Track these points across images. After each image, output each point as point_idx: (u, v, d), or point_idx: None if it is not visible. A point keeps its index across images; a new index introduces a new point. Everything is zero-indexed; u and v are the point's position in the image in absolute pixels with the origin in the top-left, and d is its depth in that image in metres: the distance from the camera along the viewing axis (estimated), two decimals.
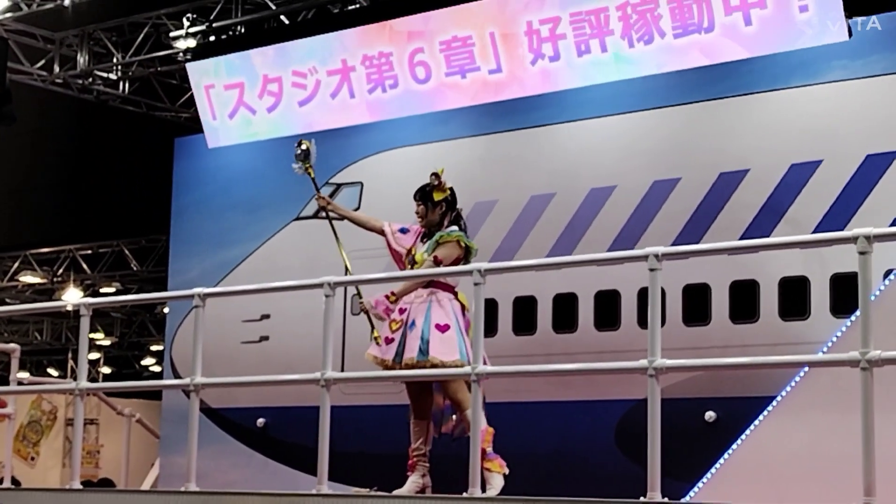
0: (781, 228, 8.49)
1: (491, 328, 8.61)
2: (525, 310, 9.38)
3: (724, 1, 8.88)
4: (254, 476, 9.60)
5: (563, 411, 9.08)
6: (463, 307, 7.74)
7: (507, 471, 7.42)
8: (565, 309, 9.24)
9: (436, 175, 7.90)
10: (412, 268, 7.84)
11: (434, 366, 7.53)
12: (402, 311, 7.78)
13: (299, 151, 8.23)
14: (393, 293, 7.81)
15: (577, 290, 9.18)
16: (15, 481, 14.62)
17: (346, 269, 8.12)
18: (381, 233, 8.07)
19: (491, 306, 8.72)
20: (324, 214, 8.11)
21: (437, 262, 7.69)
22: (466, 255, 7.78)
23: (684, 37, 9.11)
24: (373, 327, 7.90)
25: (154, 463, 11.91)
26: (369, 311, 7.87)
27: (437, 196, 7.90)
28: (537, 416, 8.84)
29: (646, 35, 9.22)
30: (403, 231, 8.03)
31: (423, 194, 7.91)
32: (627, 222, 9.09)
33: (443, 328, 7.54)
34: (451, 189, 7.95)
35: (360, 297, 7.92)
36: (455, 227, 7.86)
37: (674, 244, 8.40)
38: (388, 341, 7.79)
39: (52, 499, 8.78)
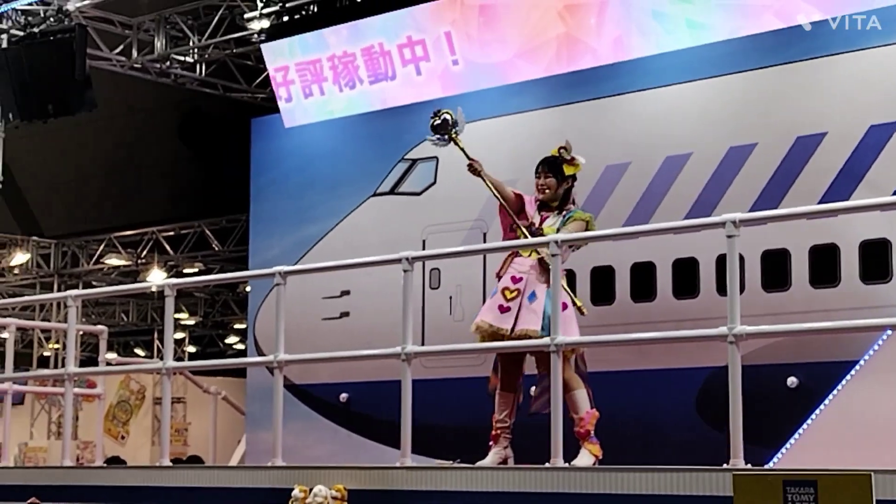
0: (861, 191, 8.39)
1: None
2: (603, 280, 9.37)
3: None
4: (338, 451, 9.73)
5: (643, 380, 9.08)
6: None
7: (601, 456, 7.44)
8: (643, 278, 9.23)
9: (565, 148, 7.77)
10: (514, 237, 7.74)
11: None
12: (515, 279, 7.67)
13: (439, 122, 8.06)
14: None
15: (654, 259, 9.16)
16: (117, 460, 14.96)
17: (519, 228, 7.86)
18: (518, 198, 7.90)
19: (569, 277, 8.72)
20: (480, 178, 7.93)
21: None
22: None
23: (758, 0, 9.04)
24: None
25: (241, 439, 12.09)
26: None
27: (568, 170, 7.79)
28: (617, 385, 8.84)
29: None
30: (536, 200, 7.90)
31: (552, 166, 7.78)
32: (704, 189, 9.04)
33: (563, 306, 7.40)
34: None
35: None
36: (587, 211, 7.76)
37: (751, 210, 8.33)
38: (503, 310, 7.68)
39: (143, 475, 8.98)
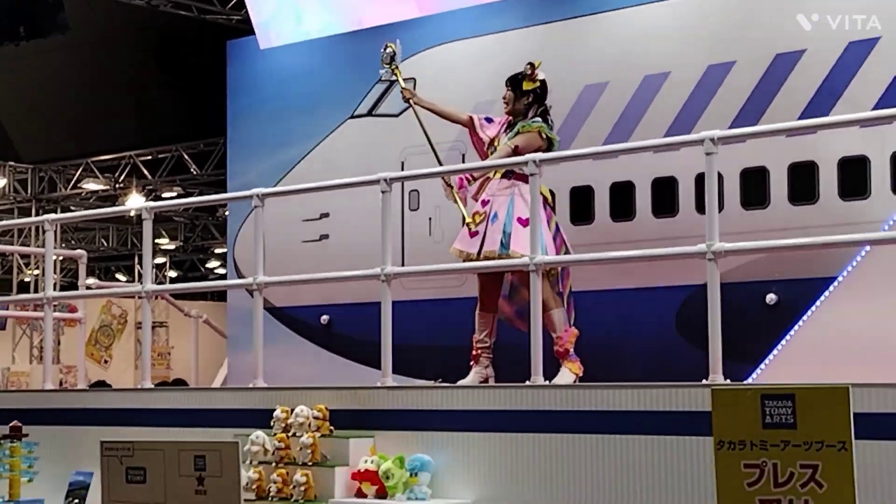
0: (839, 108, 8.39)
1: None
2: (582, 199, 9.38)
3: None
4: (320, 372, 9.78)
5: (623, 299, 9.12)
6: (545, 199, 7.72)
7: (581, 374, 7.51)
8: (622, 197, 9.23)
9: (531, 64, 7.89)
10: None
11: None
12: (484, 203, 7.79)
13: (385, 55, 8.25)
14: (472, 176, 7.81)
15: (633, 178, 9.16)
16: (102, 384, 15.01)
17: (438, 160, 8.14)
18: (468, 123, 8.06)
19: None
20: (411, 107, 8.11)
21: (515, 152, 7.68)
22: (549, 147, 7.77)
23: None
24: (463, 216, 7.89)
25: (223, 363, 12.14)
26: (452, 189, 7.90)
27: (527, 86, 7.89)
28: (597, 304, 8.88)
29: None
30: (489, 120, 8.05)
31: (513, 81, 7.92)
32: (682, 109, 9.02)
33: (524, 222, 7.51)
34: (542, 82, 7.91)
35: (447, 184, 7.95)
36: (538, 119, 7.84)
37: (730, 128, 8.32)
38: (472, 235, 7.80)
39: (126, 397, 9.03)
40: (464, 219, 7.87)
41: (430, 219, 8.63)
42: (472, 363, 7.93)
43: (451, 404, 7.15)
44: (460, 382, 7.76)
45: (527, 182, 7.57)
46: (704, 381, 6.31)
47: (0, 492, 8.71)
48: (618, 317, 9.07)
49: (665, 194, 9.04)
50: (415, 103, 8.17)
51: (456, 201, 8.01)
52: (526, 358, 6.95)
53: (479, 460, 6.90)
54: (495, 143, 7.91)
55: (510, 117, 7.92)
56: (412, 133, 8.34)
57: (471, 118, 8.05)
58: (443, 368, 8.49)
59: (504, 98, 7.95)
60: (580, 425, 6.54)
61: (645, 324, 9.01)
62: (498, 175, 7.80)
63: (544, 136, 7.77)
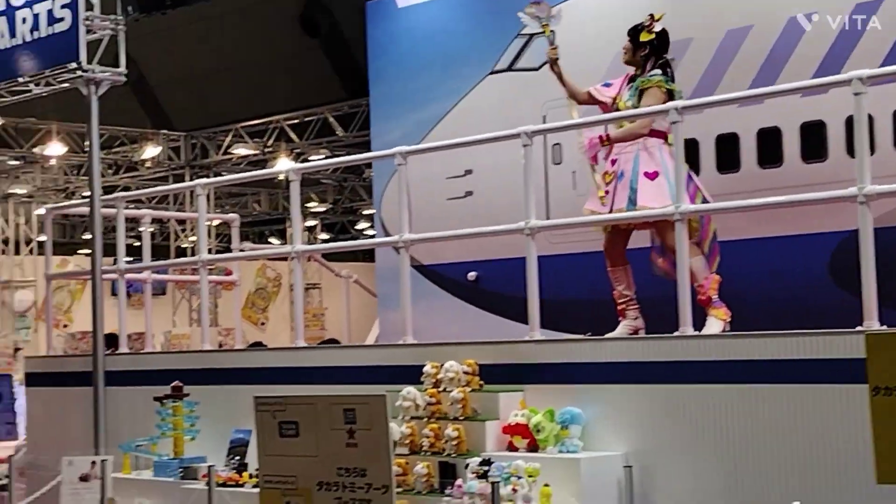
0: None
1: (693, 168, 8.50)
2: (728, 147, 9.21)
3: None
4: (469, 328, 9.84)
5: (773, 247, 8.95)
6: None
7: (729, 319, 7.41)
8: (770, 143, 9.04)
9: (651, 16, 7.82)
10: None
11: None
12: (612, 162, 7.77)
13: (537, 10, 8.22)
14: (607, 136, 7.80)
15: (780, 124, 8.95)
16: (259, 345, 15.40)
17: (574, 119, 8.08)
18: (587, 99, 8.05)
19: (692, 146, 8.60)
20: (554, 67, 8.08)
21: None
22: (670, 99, 7.68)
23: None
24: (597, 187, 7.87)
25: (375, 321, 12.32)
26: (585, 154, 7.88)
27: (644, 37, 7.83)
28: (748, 253, 8.74)
29: None
30: (607, 85, 8.02)
31: (632, 32, 7.88)
32: (829, 50, 8.77)
33: (651, 175, 7.48)
34: (659, 34, 7.82)
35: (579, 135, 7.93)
36: (657, 72, 7.76)
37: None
38: (605, 194, 7.80)
39: (280, 356, 9.24)
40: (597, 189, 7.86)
41: (573, 172, 8.59)
42: (619, 318, 7.90)
43: (600, 357, 7.14)
44: (609, 335, 7.74)
45: (654, 136, 7.53)
46: (859, 328, 6.17)
47: (165, 449, 9.03)
48: (768, 265, 8.91)
49: (814, 139, 8.82)
50: (555, 72, 8.09)
51: (589, 169, 7.95)
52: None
53: (629, 412, 6.89)
54: (618, 102, 7.83)
55: (630, 73, 7.87)
56: (553, 87, 8.29)
57: (588, 93, 8.00)
58: (591, 322, 8.46)
59: (624, 48, 7.91)
60: (731, 375, 6.47)
61: (796, 272, 8.83)
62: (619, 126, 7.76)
63: (665, 89, 7.68)
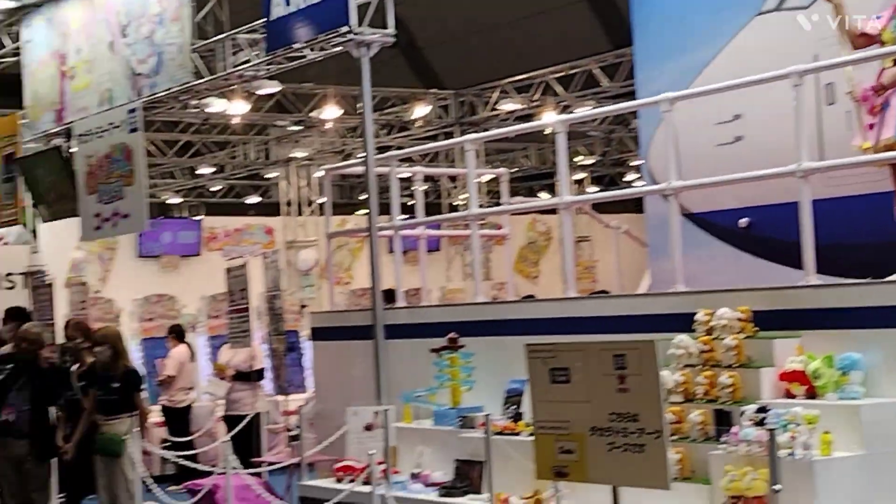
0: None
1: None
2: None
3: None
4: (741, 275, 9.67)
5: None
6: None
7: None
8: None
9: None
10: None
11: None
12: (879, 93, 7.53)
13: None
14: (882, 85, 7.53)
15: None
16: (532, 297, 15.61)
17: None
18: (857, 33, 7.73)
19: None
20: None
21: None
22: None
23: None
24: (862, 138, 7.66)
25: (645, 272, 12.26)
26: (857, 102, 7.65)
27: None
28: None
29: None
30: (877, 17, 7.71)
31: None
32: None
33: None
34: None
35: (851, 86, 7.71)
36: None
37: None
38: (870, 127, 7.57)
39: (552, 307, 9.34)
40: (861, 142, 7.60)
41: (847, 112, 8.28)
42: None
43: (882, 301, 6.91)
44: (892, 277, 7.47)
45: None
46: None
47: (443, 399, 9.31)
48: None
49: None
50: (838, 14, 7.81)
51: (857, 115, 7.71)
52: None
53: None
54: (883, 34, 7.49)
55: None
56: (824, 24, 8.03)
57: (858, 28, 7.66)
58: (869, 265, 8.19)
59: None
60: None
61: None
62: (890, 63, 7.41)
63: None
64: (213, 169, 27.65)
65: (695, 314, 7.54)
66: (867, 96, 7.62)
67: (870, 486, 6.48)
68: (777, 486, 5.65)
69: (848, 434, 6.55)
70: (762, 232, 9.95)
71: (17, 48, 15.13)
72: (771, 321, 7.31)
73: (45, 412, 10.61)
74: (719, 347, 7.29)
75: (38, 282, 14.81)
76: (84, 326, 11.22)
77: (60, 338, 12.48)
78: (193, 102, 18.32)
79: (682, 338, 7.46)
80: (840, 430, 6.54)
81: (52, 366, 10.92)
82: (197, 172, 28.00)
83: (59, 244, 18.26)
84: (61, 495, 11.44)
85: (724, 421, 7.06)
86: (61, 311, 14.99)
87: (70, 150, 14.16)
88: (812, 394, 6.89)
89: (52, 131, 14.79)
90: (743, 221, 10.02)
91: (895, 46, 7.42)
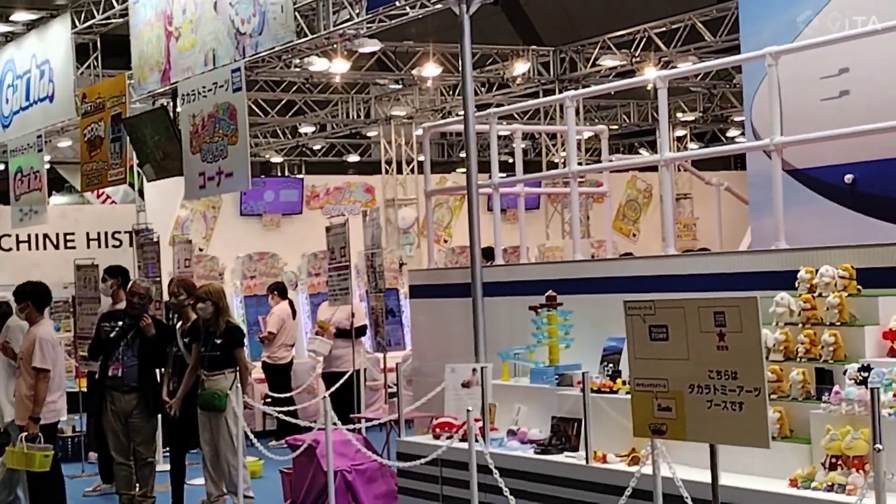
0: None
1: None
2: None
3: None
4: (845, 232, 9.50)
5: None
6: None
7: None
8: None
9: None
10: None
11: None
12: None
13: None
14: None
15: None
16: (630, 255, 15.51)
17: None
18: None
19: None
20: None
21: None
22: None
23: None
24: None
25: (747, 229, 12.10)
26: None
27: None
28: None
29: None
30: None
31: None
32: None
33: None
34: None
35: None
36: None
37: None
38: None
39: (650, 265, 9.27)
40: None
41: None
42: None
43: None
44: None
45: None
46: None
47: (541, 357, 9.31)
48: None
49: None
50: None
51: None
52: None
53: None
54: None
55: None
56: None
57: None
58: None
59: None
60: None
61: None
62: None
63: None
64: (314, 128, 27.87)
65: (797, 272, 7.43)
66: None
67: None
68: (879, 446, 5.55)
69: None
70: (867, 188, 9.74)
71: (126, 9, 15.36)
72: (875, 279, 7.17)
73: (151, 367, 10.84)
74: (821, 305, 7.18)
75: (144, 240, 15.09)
76: (188, 283, 11.41)
77: (166, 295, 12.72)
78: (296, 61, 18.48)
79: (783, 295, 7.35)
80: None
81: (158, 322, 11.14)
82: (299, 131, 28.26)
83: (164, 203, 18.58)
84: (166, 449, 11.72)
85: (825, 380, 6.96)
86: (166, 268, 15.26)
87: (175, 110, 14.37)
88: None
89: (158, 91, 15.01)
90: (848, 178, 9.82)
91: None
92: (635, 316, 5.56)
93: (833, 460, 6.48)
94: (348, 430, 9.90)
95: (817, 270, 7.28)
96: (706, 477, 5.79)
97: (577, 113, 9.76)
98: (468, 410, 8.02)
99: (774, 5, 10.58)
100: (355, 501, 10.32)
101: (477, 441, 8.01)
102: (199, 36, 13.60)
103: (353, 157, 31.70)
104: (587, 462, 7.85)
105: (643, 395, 5.61)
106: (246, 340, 11.37)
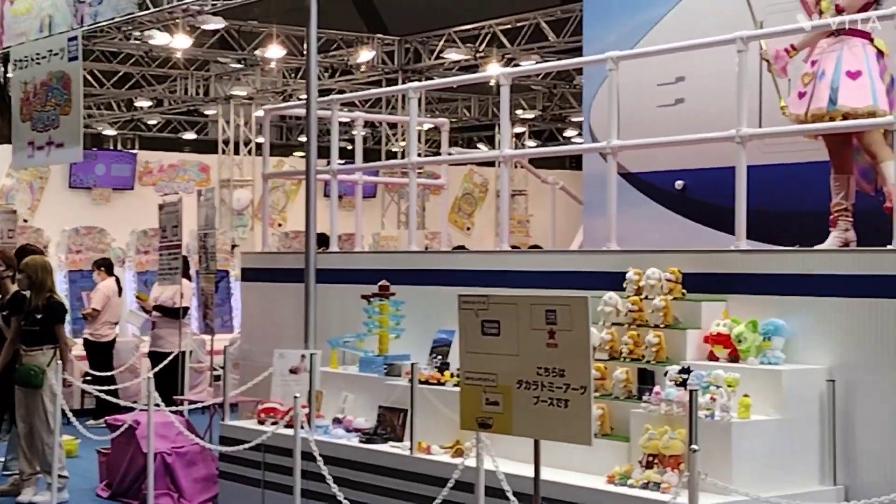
0: None
1: None
2: None
3: None
4: (674, 236, 9.74)
5: None
6: (879, 52, 7.41)
7: None
8: None
9: None
10: (820, 17, 7.58)
11: (846, 114, 7.32)
12: (812, 63, 7.59)
13: None
14: (793, 46, 7.64)
15: None
16: (463, 248, 15.62)
17: (754, 22, 7.98)
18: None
19: None
20: None
21: (839, 11, 7.41)
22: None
23: None
24: (778, 95, 7.78)
25: (579, 228, 12.30)
26: (770, 64, 7.74)
27: None
28: None
29: None
30: None
31: None
32: None
33: (854, 75, 7.28)
34: None
35: (762, 48, 7.83)
36: None
37: None
38: (801, 95, 7.64)
39: (484, 259, 9.35)
40: (779, 102, 7.70)
41: (789, 80, 8.33)
42: (830, 228, 7.70)
43: (807, 268, 6.98)
44: (818, 247, 7.56)
45: (858, 36, 7.27)
46: None
47: (370, 346, 9.29)
48: None
49: None
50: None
51: (774, 80, 7.80)
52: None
53: (834, 326, 6.74)
54: (821, 4, 7.55)
55: None
56: None
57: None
58: (800, 233, 8.27)
59: None
60: None
61: None
62: (825, 33, 7.49)
63: None
64: (151, 103, 27.31)
65: (625, 273, 7.57)
66: (781, 55, 7.72)
67: (785, 449, 6.58)
68: (694, 447, 5.71)
69: (767, 398, 6.64)
70: (697, 195, 10.01)
71: None
72: (699, 284, 7.37)
73: None
74: (647, 307, 7.34)
75: None
76: (7, 256, 11.05)
77: None
78: (136, 34, 18.05)
79: (611, 295, 7.49)
80: (759, 393, 6.63)
81: None
82: (135, 105, 27.65)
83: None
84: None
85: (647, 380, 7.11)
86: None
87: (6, 76, 13.88)
88: (735, 357, 6.97)
89: None
90: (679, 184, 10.07)
91: (841, 16, 7.46)
92: (468, 310, 5.59)
93: (650, 459, 6.64)
94: (171, 412, 9.72)
95: (645, 273, 7.43)
96: (528, 471, 5.86)
97: (420, 104, 9.77)
98: (295, 397, 7.95)
99: (618, 10, 10.78)
100: (174, 485, 10.14)
101: (302, 428, 7.96)
102: (36, 1, 13.17)
103: (190, 135, 31.18)
104: (411, 452, 7.87)
105: (472, 389, 5.64)
106: (68, 316, 11.05)
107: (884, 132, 7.33)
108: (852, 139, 7.65)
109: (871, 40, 7.38)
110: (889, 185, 7.25)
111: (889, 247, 6.66)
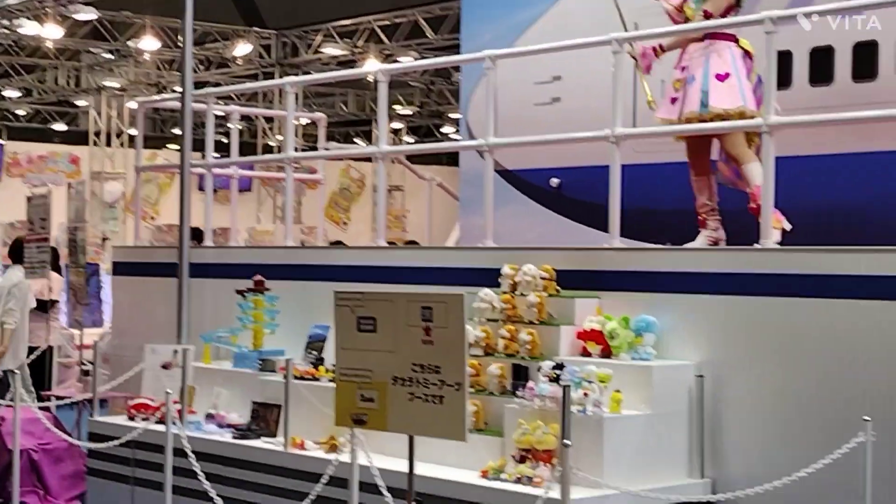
0: None
1: (785, 80, 8.35)
2: (822, 60, 9.00)
3: None
4: (549, 234, 9.85)
5: (865, 163, 8.78)
6: (746, 52, 7.61)
7: (785, 226, 7.32)
8: (866, 57, 8.81)
9: None
10: (685, 23, 7.75)
11: (717, 116, 7.48)
12: (683, 68, 7.75)
13: None
14: (661, 47, 7.79)
15: (878, 38, 8.72)
16: (340, 244, 15.56)
17: (624, 26, 8.13)
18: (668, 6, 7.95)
19: (785, 57, 8.43)
20: None
21: (706, 16, 7.61)
22: (738, 2, 7.63)
23: None
24: (646, 93, 7.93)
25: (456, 225, 12.35)
26: (637, 61, 7.88)
27: None
28: (837, 168, 8.59)
29: None
30: None
31: None
32: None
33: (722, 77, 7.47)
34: None
35: (631, 47, 7.96)
36: None
37: None
38: (673, 101, 7.80)
39: (361, 255, 9.33)
40: (646, 96, 7.87)
41: (662, 81, 8.47)
42: (700, 228, 7.86)
43: (678, 266, 7.12)
44: (688, 245, 7.71)
45: (724, 39, 7.49)
46: None
47: (244, 341, 9.20)
48: (858, 181, 8.74)
49: None
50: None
51: (641, 77, 7.97)
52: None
53: (704, 323, 6.88)
54: (685, 9, 7.73)
55: None
56: None
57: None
58: (672, 232, 8.42)
59: None
60: (810, 289, 6.42)
61: (889, 189, 8.64)
62: (694, 39, 7.69)
63: None
64: (20, 92, 26.66)
65: (501, 268, 7.62)
66: (647, 53, 7.88)
67: (655, 443, 6.69)
68: (567, 441, 5.77)
69: (638, 393, 6.74)
70: (571, 193, 10.13)
71: None
72: (574, 281, 7.45)
73: None
74: (522, 304, 7.39)
75: None
76: None
77: None
78: (4, 22, 17.59)
79: (486, 292, 7.53)
80: (631, 389, 6.72)
81: None
82: (2, 95, 26.95)
83: None
84: None
85: (521, 375, 7.16)
86: None
87: None
88: (607, 353, 7.06)
89: None
90: (554, 181, 10.17)
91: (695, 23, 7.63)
92: (344, 307, 5.57)
93: (523, 453, 6.69)
94: (38, 408, 9.50)
95: (520, 269, 7.48)
96: (402, 466, 5.86)
97: (297, 99, 9.68)
98: (167, 392, 7.83)
99: (495, 10, 10.85)
100: (40, 482, 9.92)
101: (174, 423, 7.84)
102: None
103: (60, 126, 30.52)
104: (285, 448, 7.81)
105: (347, 385, 5.62)
106: None
107: (745, 134, 7.51)
108: (711, 141, 7.82)
109: (737, 41, 7.57)
110: (752, 187, 7.41)
111: (756, 245, 6.81)
